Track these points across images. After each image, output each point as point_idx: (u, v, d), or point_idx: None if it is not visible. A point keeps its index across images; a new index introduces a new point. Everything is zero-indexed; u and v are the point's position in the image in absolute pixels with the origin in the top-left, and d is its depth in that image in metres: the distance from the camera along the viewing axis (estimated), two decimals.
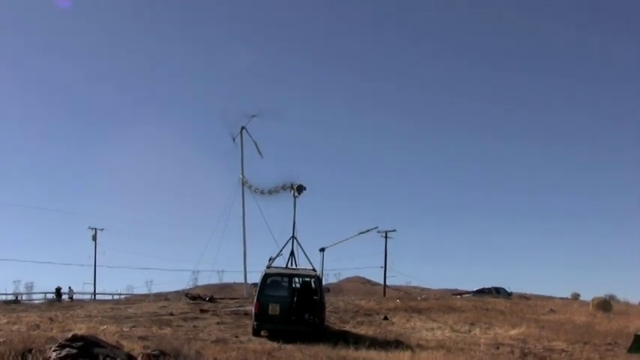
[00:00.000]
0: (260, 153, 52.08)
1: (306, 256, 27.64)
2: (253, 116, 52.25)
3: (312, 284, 25.04)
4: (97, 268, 76.42)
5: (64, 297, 58.68)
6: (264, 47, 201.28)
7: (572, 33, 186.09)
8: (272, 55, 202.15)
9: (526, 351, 22.06)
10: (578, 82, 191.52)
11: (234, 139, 53.19)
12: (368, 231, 45.75)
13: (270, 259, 26.82)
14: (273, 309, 23.34)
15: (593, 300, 42.17)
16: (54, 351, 11.41)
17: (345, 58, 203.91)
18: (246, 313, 28.81)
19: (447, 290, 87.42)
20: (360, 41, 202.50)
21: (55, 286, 60.48)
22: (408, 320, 30.80)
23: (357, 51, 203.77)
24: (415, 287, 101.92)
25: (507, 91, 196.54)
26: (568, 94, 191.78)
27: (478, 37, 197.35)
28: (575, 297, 64.02)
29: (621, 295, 62.77)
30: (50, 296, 58.68)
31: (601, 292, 60.42)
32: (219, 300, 39.48)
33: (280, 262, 27.03)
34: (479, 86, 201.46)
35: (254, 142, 52.24)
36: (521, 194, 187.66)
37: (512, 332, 26.62)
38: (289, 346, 18.95)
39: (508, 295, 62.69)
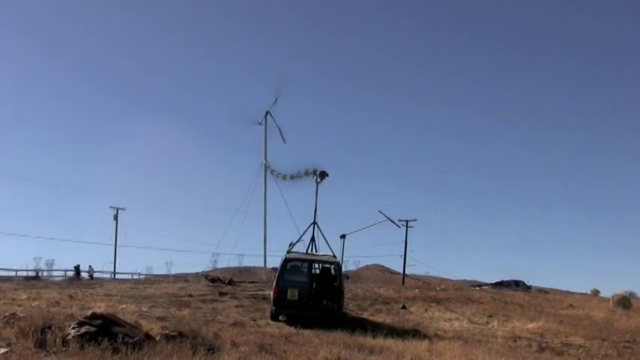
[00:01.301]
0: (283, 139, 52.15)
1: (326, 242, 27.61)
2: (276, 99, 52.26)
3: (332, 270, 25.01)
4: (117, 247, 77.04)
5: (84, 275, 58.75)
6: (286, 32, 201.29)
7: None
8: (291, 40, 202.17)
9: (543, 345, 21.94)
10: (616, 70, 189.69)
11: (259, 123, 53.30)
12: (389, 220, 45.61)
13: (290, 244, 26.83)
14: (292, 294, 23.36)
15: (612, 296, 41.81)
16: (73, 328, 11.47)
17: (366, 41, 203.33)
18: (265, 297, 28.85)
19: (466, 281, 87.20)
20: (382, 24, 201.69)
21: (74, 264, 60.25)
22: (426, 310, 30.73)
23: (379, 33, 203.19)
24: (434, 277, 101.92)
25: (539, 77, 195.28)
26: (602, 86, 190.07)
27: (504, 18, 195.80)
28: (595, 293, 63.50)
29: None
30: (70, 274, 58.77)
31: (621, 289, 60.08)
32: (238, 283, 39.60)
33: (300, 248, 27.04)
34: (507, 70, 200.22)
35: (278, 127, 52.31)
36: (544, 187, 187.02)
37: (530, 326, 26.49)
38: (307, 332, 18.97)
39: (527, 288, 62.43)
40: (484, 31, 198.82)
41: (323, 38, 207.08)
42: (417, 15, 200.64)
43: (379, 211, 44.71)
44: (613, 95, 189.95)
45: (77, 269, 58.90)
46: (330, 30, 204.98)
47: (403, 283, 69.06)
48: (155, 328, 14.31)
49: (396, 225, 46.46)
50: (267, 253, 53.45)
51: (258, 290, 33.37)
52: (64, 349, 10.61)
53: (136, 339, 11.44)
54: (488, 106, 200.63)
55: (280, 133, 51.97)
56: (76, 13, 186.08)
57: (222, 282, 38.60)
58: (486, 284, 64.61)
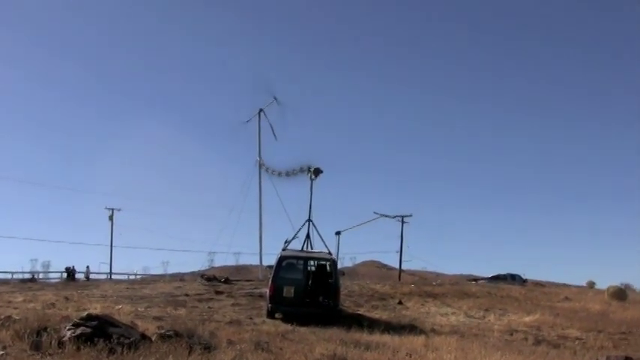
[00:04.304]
0: (275, 135, 52.23)
1: (321, 239, 27.68)
2: (274, 100, 52.28)
3: (328, 267, 25.05)
4: (113, 248, 77.01)
5: (79, 276, 57.97)
6: (281, 28, 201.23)
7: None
8: (285, 34, 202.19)
9: (540, 338, 22.01)
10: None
11: (247, 121, 53.41)
12: (384, 216, 45.61)
13: (285, 242, 26.87)
14: (288, 291, 23.41)
15: (608, 288, 41.87)
16: (68, 330, 11.46)
17: (359, 33, 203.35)
18: (261, 295, 28.89)
19: (462, 276, 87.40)
20: (376, 17, 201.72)
21: (66, 266, 58.28)
22: (422, 305, 30.79)
23: (373, 26, 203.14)
24: (430, 272, 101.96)
25: (535, 67, 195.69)
26: (599, 76, 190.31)
27: (501, 12, 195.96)
28: (591, 285, 63.64)
29: (637, 284, 62.60)
30: (64, 275, 57.69)
31: (616, 281, 60.23)
32: (234, 282, 39.61)
33: (296, 245, 27.08)
34: (503, 61, 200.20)
35: (270, 124, 52.35)
36: (538, 178, 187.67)
37: (527, 319, 26.56)
38: (303, 329, 18.99)
39: (523, 282, 62.65)
40: (482, 22, 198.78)
41: (316, 30, 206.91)
42: (415, 6, 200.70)
43: (374, 212, 44.91)
44: (611, 85, 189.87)
45: (69, 271, 57.38)
46: (323, 23, 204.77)
47: (399, 278, 69.09)
48: (151, 328, 14.31)
49: (393, 218, 46.53)
50: (263, 251, 53.57)
51: (255, 288, 33.42)
52: (60, 350, 10.59)
53: (131, 339, 11.42)
54: (483, 98, 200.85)
55: (272, 130, 52.08)
56: (75, 11, 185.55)
57: (218, 281, 38.57)
58: (482, 278, 64.85)
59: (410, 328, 21.83)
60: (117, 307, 22.61)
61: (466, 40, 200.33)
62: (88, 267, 62.10)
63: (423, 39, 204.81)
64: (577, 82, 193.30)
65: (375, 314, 27.11)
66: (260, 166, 51.64)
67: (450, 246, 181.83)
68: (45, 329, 11.73)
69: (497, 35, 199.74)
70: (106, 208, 78.60)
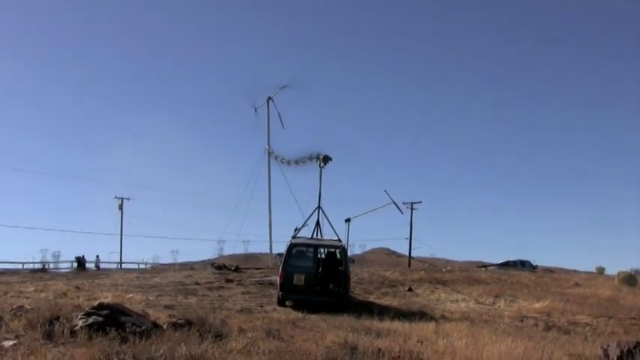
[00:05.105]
0: (282, 124, 51.91)
1: (331, 226, 27.66)
2: (284, 87, 51.86)
3: (338, 255, 25.05)
4: (123, 237, 77.22)
5: (90, 265, 58.05)
6: (286, 15, 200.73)
7: None
8: (293, 24, 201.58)
9: (550, 324, 22.01)
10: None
11: (256, 110, 53.04)
12: (394, 203, 45.44)
13: (295, 230, 26.89)
14: (299, 279, 23.41)
15: (618, 274, 41.80)
16: (80, 319, 11.49)
17: (368, 20, 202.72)
18: (271, 283, 28.89)
19: (471, 262, 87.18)
20: (382, 5, 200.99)
21: (75, 256, 58.48)
22: (432, 292, 30.77)
23: (379, 15, 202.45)
24: (440, 259, 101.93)
25: (543, 54, 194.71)
26: (608, 66, 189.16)
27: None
28: (600, 271, 63.45)
29: None
30: (74, 265, 57.67)
31: (626, 267, 60.02)
32: (244, 270, 39.54)
33: (306, 233, 27.08)
34: (512, 47, 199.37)
35: (278, 113, 51.99)
36: (546, 164, 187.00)
37: (537, 305, 26.52)
38: (314, 316, 18.99)
39: (533, 268, 62.42)
40: (491, 12, 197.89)
41: (322, 19, 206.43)
42: None
43: (385, 191, 44.66)
44: (621, 74, 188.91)
45: (79, 260, 57.45)
46: (332, 10, 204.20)
47: (409, 265, 69.18)
48: (162, 317, 14.34)
49: (399, 210, 46.39)
50: (273, 239, 53.41)
51: (265, 276, 33.42)
52: (72, 339, 10.62)
53: (143, 328, 11.44)
54: (491, 84, 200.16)
55: (280, 118, 51.77)
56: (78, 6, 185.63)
57: (228, 269, 38.53)
58: (492, 265, 64.64)
59: (420, 315, 21.87)
60: (128, 296, 22.67)
61: (475, 28, 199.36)
62: (98, 256, 62.44)
63: (431, 26, 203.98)
64: (589, 68, 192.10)
65: (385, 301, 27.11)
66: (269, 154, 51.41)
67: (460, 233, 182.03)
68: (57, 318, 11.78)
69: (505, 25, 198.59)
70: (116, 198, 78.98)
